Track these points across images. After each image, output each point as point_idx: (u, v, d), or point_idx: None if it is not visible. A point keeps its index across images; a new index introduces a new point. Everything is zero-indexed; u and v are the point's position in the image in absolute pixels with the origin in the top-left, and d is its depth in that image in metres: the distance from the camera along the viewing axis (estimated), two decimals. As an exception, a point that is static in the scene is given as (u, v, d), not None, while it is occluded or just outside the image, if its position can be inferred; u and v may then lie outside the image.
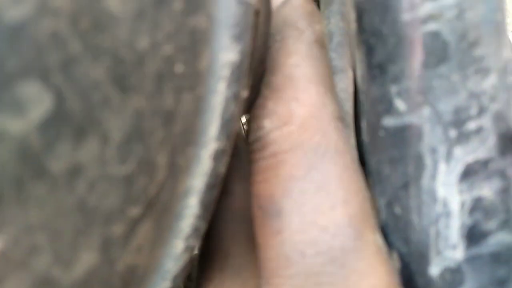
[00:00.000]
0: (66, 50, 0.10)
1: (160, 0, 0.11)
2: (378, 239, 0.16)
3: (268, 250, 0.17)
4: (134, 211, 0.13)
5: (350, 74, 0.22)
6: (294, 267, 0.16)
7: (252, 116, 0.19)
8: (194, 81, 0.14)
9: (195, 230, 0.15)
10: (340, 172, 0.16)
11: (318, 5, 0.31)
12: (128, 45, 0.11)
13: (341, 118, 0.18)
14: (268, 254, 0.17)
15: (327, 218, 0.16)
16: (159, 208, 0.14)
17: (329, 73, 0.18)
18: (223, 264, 0.21)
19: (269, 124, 0.18)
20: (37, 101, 0.09)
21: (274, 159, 0.17)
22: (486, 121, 0.16)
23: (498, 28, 0.16)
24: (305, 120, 0.17)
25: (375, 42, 0.17)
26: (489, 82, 0.16)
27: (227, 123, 0.15)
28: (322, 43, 0.19)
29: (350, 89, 0.22)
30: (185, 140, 0.15)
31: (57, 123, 0.10)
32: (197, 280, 0.22)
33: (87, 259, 0.12)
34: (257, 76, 0.19)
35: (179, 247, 0.16)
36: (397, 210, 0.17)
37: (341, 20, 0.29)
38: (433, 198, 0.16)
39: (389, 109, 0.17)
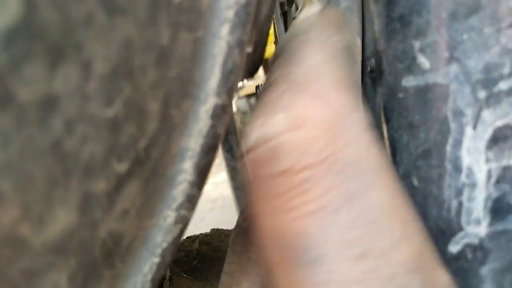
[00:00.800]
0: None
1: None
2: (446, 277, 0.13)
3: None
4: (120, 166, 0.11)
5: (358, 42, 0.21)
6: None
7: (260, 111, 0.14)
8: (194, 19, 0.12)
9: (188, 199, 0.14)
10: (390, 197, 0.13)
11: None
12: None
13: (372, 129, 0.14)
14: None
15: (388, 264, 0.12)
16: (149, 168, 0.12)
17: (359, 84, 0.15)
18: None
19: (282, 121, 0.13)
20: (1, 6, 0.07)
21: (296, 177, 0.13)
22: (519, 82, 0.14)
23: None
24: (332, 125, 0.13)
25: (397, -9, 0.15)
26: (524, 38, 0.14)
27: (229, 74, 0.13)
28: (351, 54, 0.16)
29: (358, 57, 0.20)
30: (181, 90, 0.13)
31: (27, 37, 0.08)
32: None
33: (63, 217, 0.10)
34: (263, 33, 0.17)
35: (170, 218, 0.14)
36: (415, 182, 0.15)
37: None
38: (457, 167, 0.14)
39: (411, 67, 0.15)
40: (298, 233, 0.13)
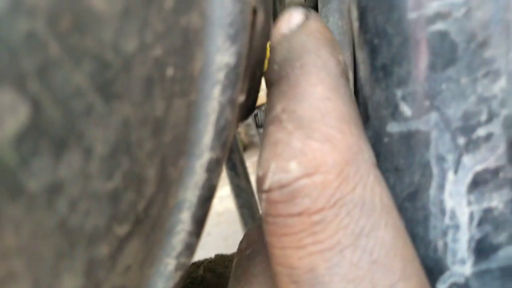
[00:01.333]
0: (44, 54, 0.08)
1: (149, -3, 0.10)
2: None
3: None
4: (121, 229, 0.12)
5: (350, 75, 0.22)
6: None
7: (271, 153, 0.15)
8: (187, 85, 0.13)
9: (187, 247, 0.14)
10: (393, 236, 0.13)
11: (317, 4, 0.31)
12: (114, 48, 0.09)
13: (376, 164, 0.15)
14: None
15: None
16: (149, 224, 0.13)
17: (358, 114, 0.16)
18: None
19: (296, 168, 0.14)
20: (11, 112, 0.08)
21: (309, 219, 0.14)
22: (496, 127, 0.15)
23: (508, 28, 0.15)
24: (343, 168, 0.14)
25: (379, 42, 0.16)
26: (499, 85, 0.15)
27: (222, 131, 0.14)
28: (347, 77, 0.16)
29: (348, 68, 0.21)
30: (176, 150, 0.13)
31: (34, 136, 0.09)
32: None
33: (70, 284, 0.11)
34: (255, 79, 0.18)
35: (170, 265, 0.14)
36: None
37: (339, 18, 0.28)
38: (441, 209, 0.15)
39: (394, 114, 0.16)
40: (307, 269, 0.14)
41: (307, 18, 0.18)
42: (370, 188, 0.14)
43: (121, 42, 0.09)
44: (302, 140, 0.14)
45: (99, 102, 0.10)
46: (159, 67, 0.11)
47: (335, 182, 0.14)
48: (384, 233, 0.13)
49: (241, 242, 0.22)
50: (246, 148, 1.74)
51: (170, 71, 0.12)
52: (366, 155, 0.14)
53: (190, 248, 0.15)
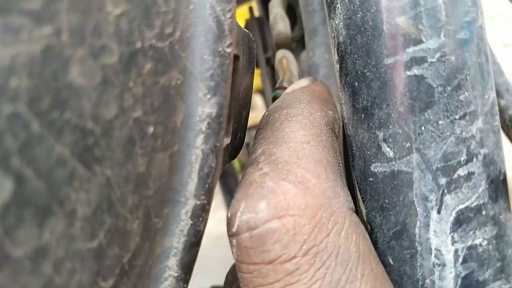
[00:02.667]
0: (26, 131, 0.09)
1: (128, 65, 0.10)
2: None
3: None
4: (107, 283, 0.12)
5: (338, 107, 0.22)
6: None
7: (243, 193, 0.14)
8: (169, 138, 0.13)
9: None
10: (370, 286, 0.13)
11: (303, 35, 0.31)
12: (93, 117, 0.10)
13: (353, 209, 0.15)
14: None
15: None
16: (135, 274, 0.14)
17: (339, 161, 0.15)
18: None
19: (265, 208, 0.13)
20: None
21: (282, 268, 0.13)
22: (476, 167, 0.15)
23: (482, 70, 0.15)
24: (316, 213, 0.13)
25: (359, 85, 0.16)
26: (477, 126, 0.15)
27: (206, 178, 0.14)
28: (333, 130, 0.16)
29: (339, 124, 0.21)
30: (160, 200, 0.14)
31: (18, 208, 0.09)
32: None
33: None
34: (241, 120, 0.19)
35: None
36: (390, 261, 0.16)
37: (326, 51, 0.29)
38: (427, 248, 0.15)
39: (377, 155, 0.16)
40: None
41: (312, 82, 0.19)
42: (345, 235, 0.13)
43: (101, 110, 0.10)
44: (275, 181, 0.14)
45: (81, 168, 0.10)
46: (139, 127, 0.11)
47: (307, 227, 0.13)
48: (360, 284, 0.13)
49: (227, 275, 0.21)
50: (243, 168, 1.73)
51: (151, 129, 0.12)
52: (342, 199, 0.14)
53: None
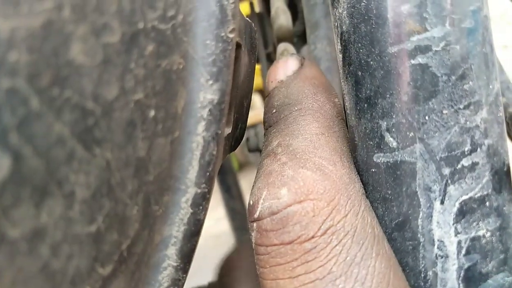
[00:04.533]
0: (25, 108, 0.09)
1: (129, 45, 0.10)
2: None
3: None
4: (105, 269, 0.12)
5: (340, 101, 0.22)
6: None
7: (264, 182, 0.15)
8: (170, 123, 0.13)
9: (174, 282, 0.14)
10: (384, 265, 0.13)
11: (304, 30, 0.31)
12: (94, 96, 0.10)
13: (366, 196, 0.15)
14: None
15: None
16: (134, 262, 0.13)
17: (350, 150, 0.16)
18: None
19: (287, 194, 0.14)
20: None
21: (300, 247, 0.13)
22: (480, 157, 0.15)
23: (487, 60, 0.15)
24: (334, 196, 0.14)
25: (363, 74, 0.16)
26: (481, 116, 0.15)
27: (207, 166, 0.14)
28: (343, 118, 0.17)
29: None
30: (160, 187, 0.14)
31: (15, 187, 0.09)
32: None
33: None
34: (242, 111, 0.19)
35: None
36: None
37: (328, 45, 0.28)
38: (429, 239, 0.15)
39: (380, 145, 0.16)
40: None
41: (302, 64, 0.18)
42: (361, 217, 0.14)
43: (102, 90, 0.10)
44: (294, 169, 0.14)
45: (80, 149, 0.10)
46: (140, 110, 0.11)
47: (326, 209, 0.14)
48: (375, 262, 0.13)
49: (221, 268, 0.22)
50: (241, 167, 1.74)
51: (152, 112, 0.12)
52: (357, 185, 0.15)
53: (177, 283, 0.15)
